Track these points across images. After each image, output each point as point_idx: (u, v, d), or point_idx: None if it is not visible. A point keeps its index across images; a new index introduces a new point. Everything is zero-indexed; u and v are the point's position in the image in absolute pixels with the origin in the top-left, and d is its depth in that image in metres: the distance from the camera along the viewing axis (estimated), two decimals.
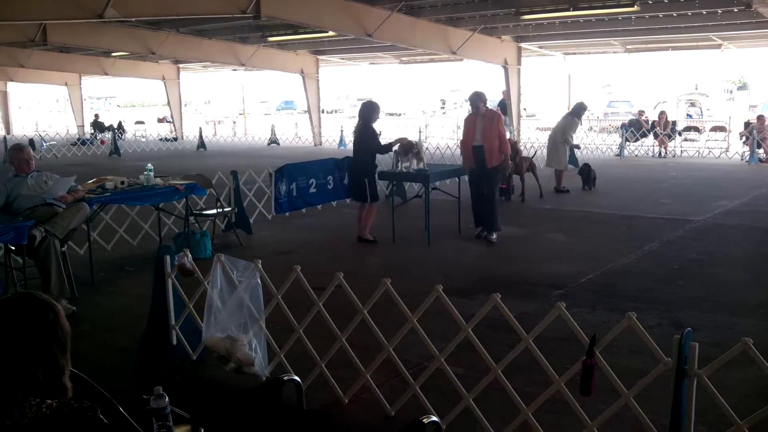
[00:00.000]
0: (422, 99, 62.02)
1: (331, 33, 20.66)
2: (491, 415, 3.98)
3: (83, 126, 36.15)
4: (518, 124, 26.41)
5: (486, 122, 9.65)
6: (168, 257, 5.11)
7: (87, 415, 2.01)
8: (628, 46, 25.81)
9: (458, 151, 18.85)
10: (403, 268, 8.21)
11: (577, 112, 15.04)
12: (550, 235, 10.22)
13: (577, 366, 3.51)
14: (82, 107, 37.90)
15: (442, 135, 28.87)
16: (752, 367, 3.26)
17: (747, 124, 21.51)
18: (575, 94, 32.43)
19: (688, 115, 37.93)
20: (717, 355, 3.25)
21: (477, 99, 9.88)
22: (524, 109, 33.08)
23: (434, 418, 2.67)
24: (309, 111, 30.85)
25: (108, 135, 31.02)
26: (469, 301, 6.39)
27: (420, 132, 26.80)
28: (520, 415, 3.82)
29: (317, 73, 30.13)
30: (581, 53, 28.20)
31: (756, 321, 6.13)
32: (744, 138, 21.10)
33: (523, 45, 25.05)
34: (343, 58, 30.64)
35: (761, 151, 20.06)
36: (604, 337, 3.52)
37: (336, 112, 57.04)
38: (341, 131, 28.69)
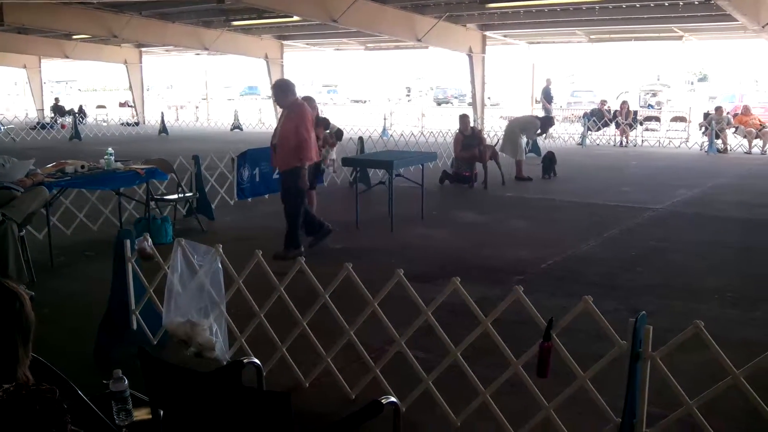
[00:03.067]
0: (387, 86, 62.05)
1: (296, 18, 20.60)
2: (450, 397, 4.03)
3: (43, 110, 35.55)
4: (482, 112, 26.55)
5: (285, 117, 8.06)
6: (128, 241, 5.07)
7: (46, 397, 1.99)
8: (591, 36, 26.04)
9: (422, 139, 18.95)
10: (366, 254, 8.23)
11: (544, 125, 15.79)
12: (511, 222, 10.33)
13: (534, 349, 3.56)
14: (42, 91, 37.25)
15: (407, 123, 28.87)
16: (705, 351, 3.34)
17: (706, 115, 21.84)
18: (539, 83, 32.65)
19: (649, 105, 38.44)
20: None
21: (277, 91, 8.21)
22: (488, 97, 33.23)
23: (393, 399, 2.70)
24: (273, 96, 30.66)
25: (69, 119, 30.54)
26: (430, 287, 6.41)
27: (385, 119, 26.95)
28: (478, 398, 3.87)
29: (282, 58, 29.99)
30: (545, 42, 28.39)
31: (710, 306, 6.27)
32: (703, 128, 21.43)
33: (487, 33, 25.18)
34: (308, 44, 30.51)
35: (720, 141, 20.41)
36: (561, 320, 3.58)
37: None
38: None
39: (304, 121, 7.86)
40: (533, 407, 3.76)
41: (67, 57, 31.55)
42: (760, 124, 20.66)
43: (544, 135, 17.40)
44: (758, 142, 20.29)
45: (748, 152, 20.11)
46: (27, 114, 33.98)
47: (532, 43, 28.34)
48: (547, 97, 25.27)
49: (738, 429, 3.83)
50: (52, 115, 33.74)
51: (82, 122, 30.60)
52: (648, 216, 10.44)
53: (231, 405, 2.38)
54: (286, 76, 30.18)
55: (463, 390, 4.04)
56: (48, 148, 21.06)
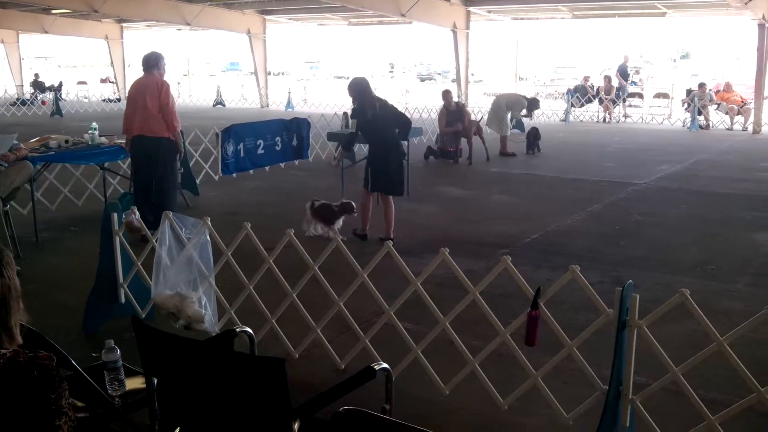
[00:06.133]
0: (371, 62, 61.66)
1: None
2: (439, 366, 4.08)
3: (22, 86, 35.09)
4: (466, 89, 26.52)
5: None
6: (115, 215, 5.06)
7: (43, 364, 2.01)
8: (575, 12, 26.02)
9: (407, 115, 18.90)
10: (352, 228, 8.25)
11: (530, 106, 15.97)
12: (496, 197, 10.38)
13: (522, 318, 3.61)
14: (21, 66, 36.76)
15: (391, 99, 28.75)
16: (688, 322, 3.40)
17: (689, 92, 21.95)
18: (522, 59, 32.62)
19: (632, 82, 38.49)
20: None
21: (144, 65, 7.74)
22: (472, 74, 33.14)
23: (385, 365, 2.73)
24: (255, 72, 30.46)
25: (49, 95, 30.19)
26: (417, 260, 6.46)
27: None
28: (467, 366, 3.92)
29: (264, 33, 29.71)
30: (529, 18, 28.31)
31: (692, 279, 6.35)
32: (686, 105, 21.55)
33: (471, 9, 25.07)
34: (290, 19, 30.24)
35: (702, 118, 20.53)
36: (548, 289, 3.63)
37: (283, 74, 56.50)
38: (289, 93, 28.41)
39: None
40: (521, 376, 3.82)
41: (45, 32, 31.09)
42: (742, 101, 20.79)
43: (529, 117, 17.62)
44: (740, 118, 20.43)
45: (730, 128, 20.26)
46: (6, 90, 33.52)
47: (516, 19, 28.25)
48: (623, 74, 25.08)
49: (720, 395, 3.90)
50: (32, 91, 33.33)
51: (62, 99, 30.24)
52: (631, 191, 10.52)
53: (225, 372, 2.40)
54: (268, 52, 29.98)
55: (451, 359, 4.09)
56: (29, 125, 20.80)
